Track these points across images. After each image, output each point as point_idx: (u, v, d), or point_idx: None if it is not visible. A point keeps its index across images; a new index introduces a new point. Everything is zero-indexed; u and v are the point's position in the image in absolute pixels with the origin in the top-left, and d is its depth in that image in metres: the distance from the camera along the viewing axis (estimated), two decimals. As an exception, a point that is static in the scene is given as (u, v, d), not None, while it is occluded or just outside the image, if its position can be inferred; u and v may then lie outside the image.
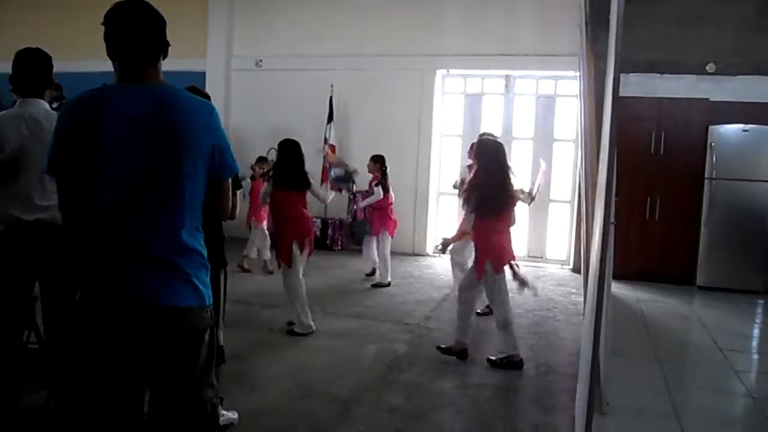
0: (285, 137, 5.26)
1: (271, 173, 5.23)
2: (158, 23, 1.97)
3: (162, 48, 1.99)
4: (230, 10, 9.89)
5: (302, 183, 5.10)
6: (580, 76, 3.85)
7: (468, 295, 4.66)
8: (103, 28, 1.94)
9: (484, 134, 5.27)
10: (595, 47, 5.64)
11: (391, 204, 7.18)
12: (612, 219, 3.02)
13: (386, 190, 7.05)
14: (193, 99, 2.00)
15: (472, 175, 4.68)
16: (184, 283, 1.93)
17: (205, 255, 2.02)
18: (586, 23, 4.41)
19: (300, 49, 9.43)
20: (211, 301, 2.03)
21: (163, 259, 1.90)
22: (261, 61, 9.77)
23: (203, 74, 9.74)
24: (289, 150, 5.09)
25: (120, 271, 1.88)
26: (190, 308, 1.94)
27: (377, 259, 7.23)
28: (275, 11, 9.61)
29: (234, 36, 9.97)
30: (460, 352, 4.58)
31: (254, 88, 9.77)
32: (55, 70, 3.23)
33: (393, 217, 7.18)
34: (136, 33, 1.93)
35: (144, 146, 1.88)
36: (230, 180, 2.15)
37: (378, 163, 7.15)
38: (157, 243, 1.89)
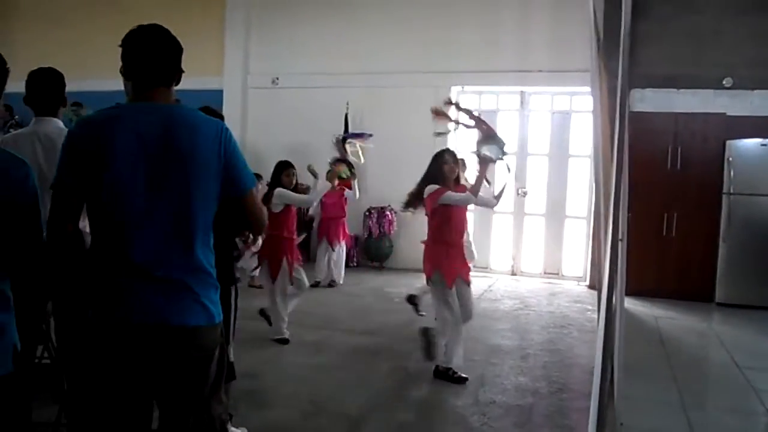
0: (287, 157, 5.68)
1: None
2: (175, 48, 2.01)
3: (175, 72, 2.02)
4: (247, 28, 10.01)
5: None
6: (592, 92, 3.86)
7: None
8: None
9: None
10: (609, 63, 5.63)
11: None
12: (621, 236, 3.00)
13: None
14: (203, 118, 2.02)
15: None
16: (193, 303, 1.94)
17: (215, 275, 2.02)
18: (598, 39, 4.41)
19: (315, 66, 9.51)
20: (221, 318, 2.04)
21: (173, 280, 1.91)
22: (277, 78, 9.87)
23: (220, 92, 9.88)
24: (276, 170, 5.47)
25: (130, 291, 1.89)
26: (199, 327, 1.95)
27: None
28: (291, 29, 9.72)
29: (250, 54, 10.08)
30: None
31: (270, 105, 9.86)
32: (77, 89, 3.29)
33: None
34: (152, 54, 1.97)
35: (154, 165, 1.89)
36: (255, 193, 2.11)
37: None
38: (166, 263, 1.90)
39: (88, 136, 1.92)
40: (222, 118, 3.29)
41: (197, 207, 1.93)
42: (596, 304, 6.46)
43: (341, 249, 7.92)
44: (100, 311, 1.92)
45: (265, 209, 2.15)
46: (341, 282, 7.83)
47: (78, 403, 3.00)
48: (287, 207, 5.33)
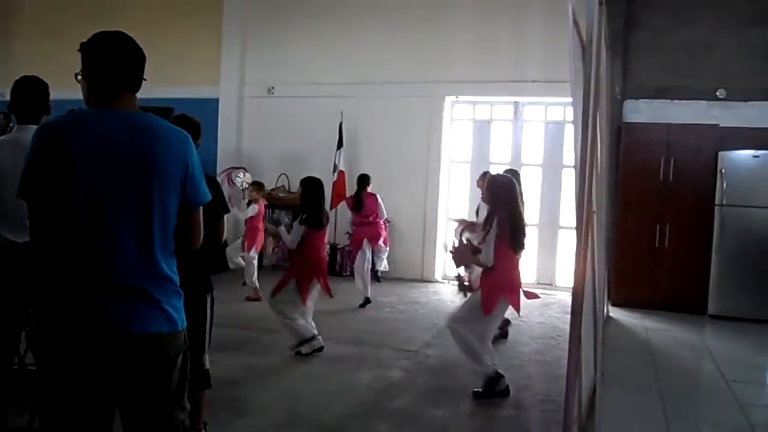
0: (305, 173, 5.48)
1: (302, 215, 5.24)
2: (141, 55, 2.02)
3: (140, 79, 2.02)
4: (243, 38, 10.06)
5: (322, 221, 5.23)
6: (573, 102, 3.86)
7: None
8: None
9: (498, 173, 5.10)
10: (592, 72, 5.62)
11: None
12: (594, 245, 2.99)
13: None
14: (167, 126, 2.02)
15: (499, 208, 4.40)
16: (154, 310, 1.93)
17: (177, 281, 2.02)
18: (583, 48, 4.41)
19: (311, 76, 9.55)
20: (185, 325, 2.04)
21: (133, 286, 1.90)
22: (273, 88, 9.90)
23: (217, 101, 9.94)
24: (313, 188, 5.22)
25: (90, 298, 1.88)
26: (161, 334, 1.94)
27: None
28: (287, 39, 9.76)
29: (247, 64, 10.11)
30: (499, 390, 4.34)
31: (266, 114, 9.89)
32: (74, 97, 3.30)
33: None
34: (121, 60, 1.98)
35: (115, 171, 1.89)
36: (202, 209, 2.12)
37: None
38: (126, 269, 1.89)
39: (49, 146, 1.89)
40: (198, 125, 3.31)
41: (156, 215, 1.93)
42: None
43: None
44: (62, 319, 1.90)
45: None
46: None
47: (43, 409, 3.00)
48: None
